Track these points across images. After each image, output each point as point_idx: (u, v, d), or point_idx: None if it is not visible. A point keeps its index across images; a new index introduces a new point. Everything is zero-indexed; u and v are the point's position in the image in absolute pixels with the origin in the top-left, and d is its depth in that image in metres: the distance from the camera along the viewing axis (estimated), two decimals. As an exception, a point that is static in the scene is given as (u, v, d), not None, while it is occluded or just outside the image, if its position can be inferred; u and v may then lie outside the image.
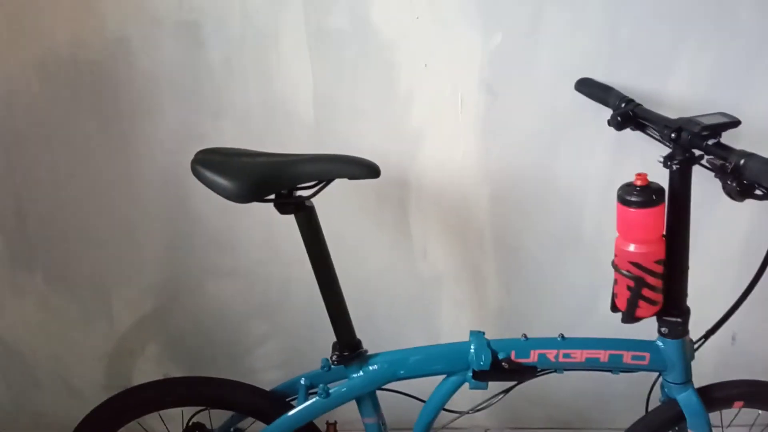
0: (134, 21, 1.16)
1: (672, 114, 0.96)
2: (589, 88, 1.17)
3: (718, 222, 1.37)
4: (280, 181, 0.95)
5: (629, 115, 1.05)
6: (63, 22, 1.16)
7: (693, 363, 1.09)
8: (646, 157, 0.96)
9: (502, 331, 1.11)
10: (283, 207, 0.98)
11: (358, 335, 1.11)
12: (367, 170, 0.96)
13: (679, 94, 1.21)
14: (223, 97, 1.23)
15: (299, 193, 0.99)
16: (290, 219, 0.99)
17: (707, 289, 1.34)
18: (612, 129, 1.07)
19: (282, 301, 1.49)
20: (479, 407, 1.19)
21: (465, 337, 1.08)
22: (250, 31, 1.17)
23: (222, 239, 1.40)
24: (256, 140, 1.24)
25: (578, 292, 1.46)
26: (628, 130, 1.07)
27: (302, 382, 1.11)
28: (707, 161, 0.88)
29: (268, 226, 1.36)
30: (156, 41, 1.17)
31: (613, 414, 1.61)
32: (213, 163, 0.94)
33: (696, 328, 1.11)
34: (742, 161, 0.80)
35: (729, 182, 0.82)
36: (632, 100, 1.06)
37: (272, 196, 0.96)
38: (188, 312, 1.50)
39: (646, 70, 1.20)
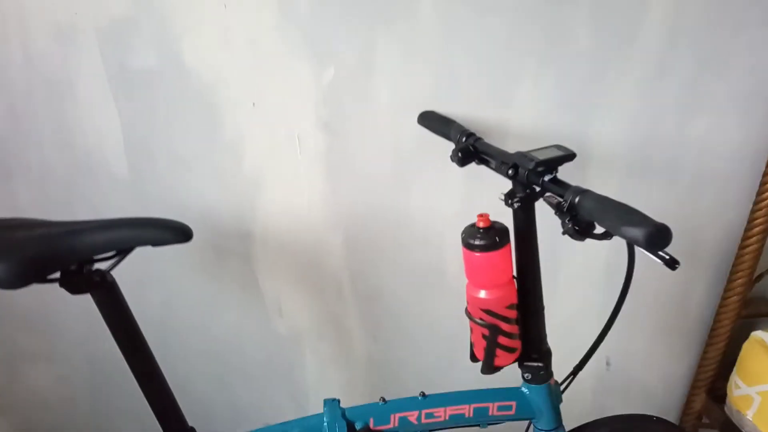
0: None
1: (518, 144, 0.91)
2: (430, 122, 1.09)
3: (578, 253, 1.33)
4: (62, 257, 0.78)
5: (470, 150, 0.97)
6: None
7: (571, 391, 1.04)
8: (501, 189, 0.88)
9: (374, 379, 1.03)
10: (72, 286, 0.81)
11: (216, 412, 0.97)
12: (173, 233, 0.80)
13: (522, 123, 1.15)
14: (12, 157, 1.04)
15: (95, 266, 0.83)
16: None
17: (575, 321, 1.31)
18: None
19: (114, 382, 1.29)
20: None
21: (335, 394, 0.99)
22: (37, 78, 0.99)
23: (34, 321, 1.19)
24: (61, 205, 1.07)
25: (447, 331, 1.37)
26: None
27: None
28: (546, 198, 0.82)
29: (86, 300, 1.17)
30: None
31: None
32: (-30, 242, 0.76)
33: (570, 361, 1.05)
34: (576, 199, 0.73)
35: (566, 221, 0.75)
36: (473, 134, 0.99)
37: (57, 275, 0.79)
38: (3, 404, 1.27)
39: (489, 100, 1.13)
